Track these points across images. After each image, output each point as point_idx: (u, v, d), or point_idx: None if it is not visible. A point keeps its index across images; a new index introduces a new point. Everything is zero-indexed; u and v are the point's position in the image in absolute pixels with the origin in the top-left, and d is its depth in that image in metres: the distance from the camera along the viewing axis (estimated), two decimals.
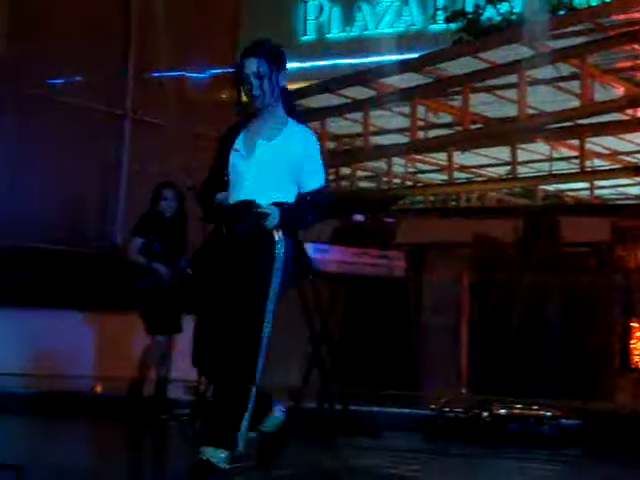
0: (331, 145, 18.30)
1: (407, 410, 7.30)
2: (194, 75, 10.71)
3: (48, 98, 9.44)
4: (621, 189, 18.50)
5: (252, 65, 4.37)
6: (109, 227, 9.94)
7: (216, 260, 4.42)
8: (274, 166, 4.42)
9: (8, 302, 8.58)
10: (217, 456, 4.25)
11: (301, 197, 4.45)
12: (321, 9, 24.98)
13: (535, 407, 6.76)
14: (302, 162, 4.44)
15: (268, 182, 4.41)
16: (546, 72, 15.15)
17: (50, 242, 9.27)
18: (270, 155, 4.42)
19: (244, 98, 4.53)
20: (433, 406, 6.94)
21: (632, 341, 9.01)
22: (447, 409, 6.81)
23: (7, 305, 8.62)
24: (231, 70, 9.75)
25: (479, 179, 18.76)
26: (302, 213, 4.46)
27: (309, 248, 6.41)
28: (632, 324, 9.07)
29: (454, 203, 17.47)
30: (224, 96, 10.72)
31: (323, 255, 6.51)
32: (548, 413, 6.59)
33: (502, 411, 6.63)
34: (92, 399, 8.51)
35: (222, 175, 4.46)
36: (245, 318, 4.27)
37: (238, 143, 4.47)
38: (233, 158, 4.46)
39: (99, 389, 8.68)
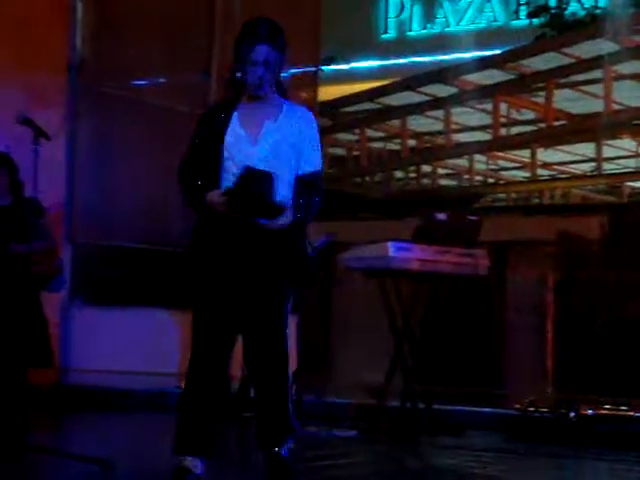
0: (412, 143, 18.24)
1: (491, 409, 7.24)
2: None
3: (132, 99, 9.57)
4: None
5: (263, 52, 4.18)
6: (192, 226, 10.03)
7: (233, 253, 4.23)
8: (283, 147, 4.24)
9: (99, 300, 8.74)
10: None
11: (302, 184, 4.25)
12: (402, 7, 24.86)
13: (623, 407, 6.65)
14: (302, 142, 4.29)
15: (280, 165, 4.20)
16: (631, 67, 14.89)
17: (137, 241, 9.41)
18: (279, 135, 4.24)
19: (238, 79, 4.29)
20: (517, 405, 6.86)
21: None
22: (532, 409, 6.74)
23: (98, 303, 8.78)
24: (313, 69, 9.78)
25: (563, 176, 18.51)
26: (310, 205, 4.27)
27: (391, 247, 6.39)
28: None
29: (537, 201, 17.25)
30: (306, 95, 10.75)
31: (405, 253, 6.48)
32: (637, 414, 6.47)
33: (589, 411, 6.53)
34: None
35: (210, 157, 4.25)
36: (278, 312, 4.24)
37: (234, 124, 4.25)
38: (234, 141, 4.23)
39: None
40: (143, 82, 10.11)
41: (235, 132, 4.24)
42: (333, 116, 17.17)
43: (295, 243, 4.27)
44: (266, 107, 4.29)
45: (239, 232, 4.19)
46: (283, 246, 4.21)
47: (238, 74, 4.28)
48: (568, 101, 15.94)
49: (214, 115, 4.35)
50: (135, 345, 8.83)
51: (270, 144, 4.22)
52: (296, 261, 4.26)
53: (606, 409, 6.62)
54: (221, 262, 4.23)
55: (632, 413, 6.48)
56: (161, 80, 10.32)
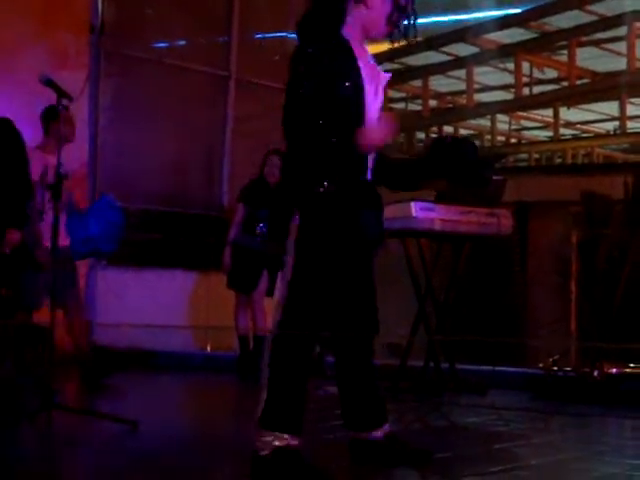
0: (433, 103, 18.13)
1: (514, 369, 7.25)
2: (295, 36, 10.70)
3: (154, 61, 9.56)
4: None
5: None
6: (215, 189, 10.06)
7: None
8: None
9: (122, 262, 8.80)
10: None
11: None
12: None
13: None
14: None
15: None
16: None
17: (160, 205, 9.45)
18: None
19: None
20: (541, 365, 6.87)
21: None
22: (556, 368, 6.74)
23: (125, 264, 8.85)
24: None
25: (586, 135, 18.39)
26: None
27: (414, 207, 6.39)
28: None
29: (560, 160, 17.16)
30: None
31: (428, 213, 6.47)
32: None
33: (613, 370, 6.53)
34: (203, 357, 8.70)
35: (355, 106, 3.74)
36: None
37: (359, 73, 3.80)
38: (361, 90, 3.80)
39: (209, 347, 8.87)
40: (164, 44, 10.09)
41: (362, 80, 3.81)
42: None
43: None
44: (368, 54, 3.95)
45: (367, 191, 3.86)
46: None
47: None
48: (591, 59, 15.78)
49: (344, 55, 3.79)
50: (159, 306, 8.89)
51: (380, 100, 3.93)
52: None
53: (630, 368, 6.61)
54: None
55: None
56: (182, 42, 10.30)
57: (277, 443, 3.66)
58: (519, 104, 16.45)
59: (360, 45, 3.90)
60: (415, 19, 3.94)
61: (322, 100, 3.66)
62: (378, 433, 3.97)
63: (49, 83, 5.01)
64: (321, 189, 3.70)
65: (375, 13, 3.87)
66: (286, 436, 3.66)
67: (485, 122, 17.45)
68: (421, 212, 6.38)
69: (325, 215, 3.73)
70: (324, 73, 3.68)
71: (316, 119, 3.66)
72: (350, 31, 3.87)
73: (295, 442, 3.69)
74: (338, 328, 3.93)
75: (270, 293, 7.95)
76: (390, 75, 4.02)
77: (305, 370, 3.77)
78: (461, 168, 3.88)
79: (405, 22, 3.92)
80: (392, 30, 3.91)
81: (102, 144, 9.10)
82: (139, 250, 9.06)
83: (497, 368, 7.09)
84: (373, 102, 3.85)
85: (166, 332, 8.44)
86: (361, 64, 3.82)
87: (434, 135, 17.95)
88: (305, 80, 3.67)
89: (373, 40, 4.02)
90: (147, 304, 8.80)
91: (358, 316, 3.94)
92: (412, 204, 6.34)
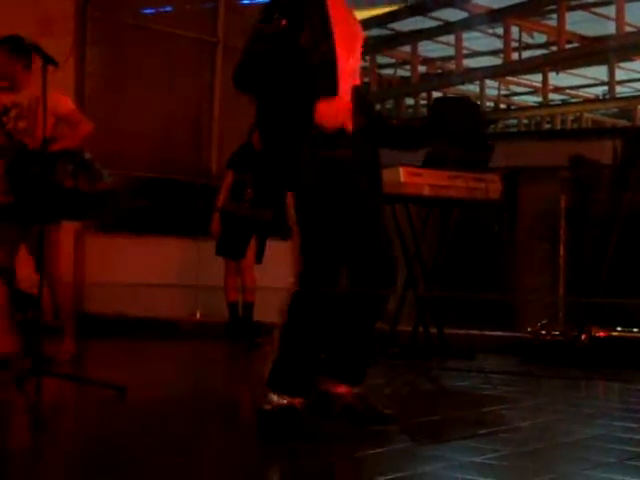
0: (422, 69, 18.08)
1: (503, 333, 7.28)
2: None
3: (141, 27, 9.50)
4: None
5: None
6: (203, 155, 10.03)
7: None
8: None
9: (114, 229, 8.79)
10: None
11: None
12: None
13: (635, 329, 6.68)
14: None
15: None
16: None
17: (147, 171, 9.42)
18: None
19: None
20: (529, 329, 6.90)
21: None
22: (544, 332, 6.77)
23: (113, 231, 8.84)
24: None
25: (575, 100, 18.38)
26: None
27: (402, 172, 6.37)
28: None
29: (549, 125, 17.16)
30: None
31: (416, 178, 6.46)
32: None
33: (600, 334, 6.56)
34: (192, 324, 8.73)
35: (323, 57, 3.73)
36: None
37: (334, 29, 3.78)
38: (338, 47, 3.78)
39: (198, 314, 8.89)
40: (151, 10, 10.01)
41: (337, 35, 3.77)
42: None
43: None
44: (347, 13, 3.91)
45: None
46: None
47: None
48: (580, 23, 15.75)
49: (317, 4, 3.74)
50: (148, 273, 8.88)
51: (356, 59, 3.93)
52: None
53: (617, 331, 6.64)
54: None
55: None
56: (169, 8, 10.22)
57: (282, 401, 3.75)
58: (508, 69, 16.44)
59: (340, 4, 3.88)
60: None
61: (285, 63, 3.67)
62: (347, 390, 4.00)
63: (35, 49, 4.97)
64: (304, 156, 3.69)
65: None
66: (292, 398, 3.75)
67: (474, 88, 17.43)
68: (409, 177, 6.36)
69: (316, 181, 3.74)
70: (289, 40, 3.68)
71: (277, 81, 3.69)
72: None
73: (300, 401, 3.77)
74: (354, 282, 3.92)
75: (259, 260, 7.96)
76: (363, 35, 3.98)
77: (319, 334, 3.81)
78: (464, 128, 3.87)
79: None
80: None
81: (88, 111, 9.04)
82: (127, 217, 9.04)
83: (485, 332, 7.12)
84: (345, 63, 3.82)
85: (155, 297, 8.43)
86: (334, 25, 3.77)
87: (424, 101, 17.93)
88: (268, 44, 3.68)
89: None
90: (136, 271, 8.78)
91: (373, 268, 3.92)
92: (400, 169, 6.32)
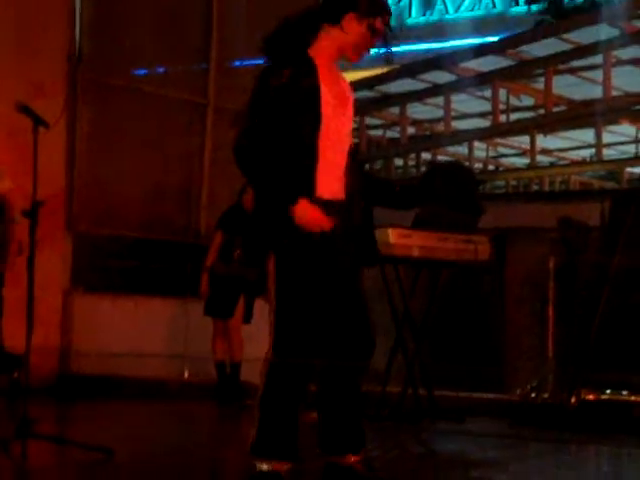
0: (411, 130, 18.21)
1: (493, 395, 7.25)
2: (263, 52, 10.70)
3: (132, 88, 9.56)
4: None
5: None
6: (193, 215, 10.04)
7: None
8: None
9: (100, 288, 8.77)
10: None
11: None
12: None
13: (624, 392, 6.66)
14: None
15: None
16: (630, 52, 14.86)
17: (137, 231, 9.42)
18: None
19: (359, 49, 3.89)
20: (519, 391, 6.87)
21: None
22: (533, 394, 6.74)
23: (99, 291, 8.82)
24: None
25: (562, 163, 18.50)
26: None
27: (392, 233, 6.38)
28: None
29: (537, 187, 17.26)
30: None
31: (406, 240, 6.47)
32: (638, 398, 6.48)
33: (590, 396, 6.54)
34: (180, 383, 8.66)
35: (312, 135, 3.77)
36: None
37: (325, 93, 3.82)
38: (329, 112, 3.82)
39: (186, 374, 8.83)
40: (142, 72, 10.09)
41: (329, 103, 3.83)
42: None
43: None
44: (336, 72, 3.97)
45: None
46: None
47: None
48: (567, 87, 15.93)
49: (305, 79, 3.81)
50: (136, 333, 8.85)
51: (350, 117, 3.97)
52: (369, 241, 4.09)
53: (607, 394, 6.62)
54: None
55: (633, 398, 6.48)
56: (160, 69, 10.31)
57: (265, 467, 3.73)
58: (496, 131, 16.56)
59: (331, 67, 3.93)
60: (390, 43, 3.95)
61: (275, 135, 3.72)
62: (354, 459, 3.92)
63: (26, 110, 4.99)
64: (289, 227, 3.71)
65: (351, 37, 3.89)
66: (277, 464, 3.73)
67: (463, 149, 17.54)
68: (398, 238, 6.37)
69: (296, 251, 3.75)
70: (281, 108, 3.74)
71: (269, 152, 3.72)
72: (323, 52, 3.90)
73: (286, 468, 3.74)
74: (331, 352, 3.88)
75: (247, 319, 7.94)
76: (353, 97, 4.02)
77: (299, 398, 3.80)
78: (459, 194, 3.88)
79: (380, 46, 3.94)
80: (367, 54, 3.94)
81: (79, 172, 9.07)
82: (117, 277, 9.03)
83: (474, 394, 7.09)
84: (338, 126, 3.86)
85: (143, 357, 8.39)
86: (326, 88, 3.83)
87: (414, 163, 18.03)
88: (261, 113, 3.76)
89: (352, 65, 4.05)
90: (124, 331, 8.75)
91: (350, 339, 3.89)
92: (389, 230, 6.33)
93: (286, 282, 3.78)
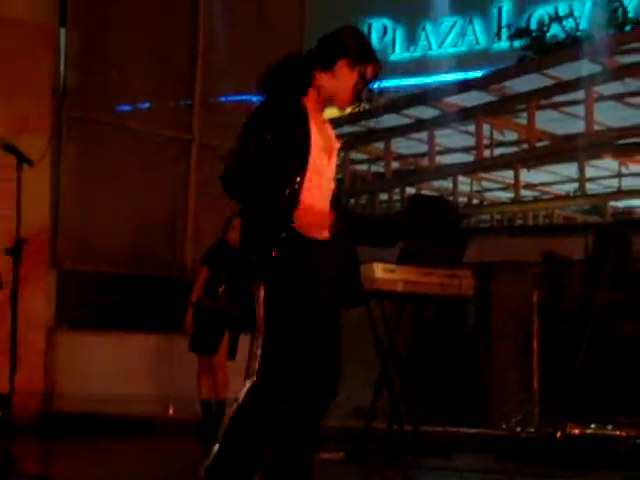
0: (396, 165, 18.30)
1: (478, 430, 7.23)
2: (260, 99, 10.76)
3: (117, 124, 9.59)
4: None
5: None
6: (178, 251, 10.05)
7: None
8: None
9: (84, 325, 8.75)
10: None
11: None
12: (384, 30, 25.03)
13: (610, 427, 6.65)
14: None
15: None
16: (612, 88, 15.00)
17: (122, 267, 9.41)
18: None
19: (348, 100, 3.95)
20: (504, 426, 6.86)
21: None
22: (519, 429, 6.73)
23: (84, 328, 8.79)
24: None
25: (546, 197, 18.61)
26: None
27: (376, 268, 6.40)
28: None
29: (521, 221, 17.34)
30: None
31: (390, 275, 6.49)
32: (623, 433, 6.48)
33: (575, 431, 6.54)
34: (165, 421, 8.61)
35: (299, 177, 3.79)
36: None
37: (316, 137, 3.88)
38: (317, 156, 3.87)
39: (171, 411, 8.77)
40: (127, 108, 10.12)
41: (320, 147, 3.89)
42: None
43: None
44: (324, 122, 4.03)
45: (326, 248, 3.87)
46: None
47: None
48: (550, 122, 16.06)
49: (298, 125, 3.85)
50: (121, 370, 8.81)
51: (334, 161, 4.00)
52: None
53: (592, 429, 6.62)
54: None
55: (618, 433, 6.48)
56: (145, 105, 10.34)
57: None
58: (480, 166, 16.67)
59: (319, 112, 3.97)
60: (380, 89, 4.00)
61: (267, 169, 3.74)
62: None
63: (9, 149, 5.01)
64: (274, 255, 3.73)
65: (342, 83, 3.92)
66: None
67: (447, 184, 17.62)
68: (383, 273, 6.38)
69: (282, 283, 3.76)
70: (272, 147, 3.76)
71: (260, 185, 3.74)
72: (313, 97, 3.93)
73: None
74: (304, 385, 3.87)
75: (232, 356, 7.91)
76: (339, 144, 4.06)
77: (270, 428, 3.77)
78: (441, 227, 3.89)
79: (370, 91, 3.97)
80: (356, 100, 3.95)
81: (64, 207, 9.07)
82: (102, 313, 9.01)
83: (461, 429, 7.07)
84: (325, 170, 3.90)
85: (128, 397, 8.35)
86: (316, 134, 3.87)
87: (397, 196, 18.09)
88: (254, 152, 3.76)
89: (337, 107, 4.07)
90: (109, 369, 8.72)
91: (322, 375, 3.89)
92: (374, 265, 6.34)
93: (276, 310, 3.77)
